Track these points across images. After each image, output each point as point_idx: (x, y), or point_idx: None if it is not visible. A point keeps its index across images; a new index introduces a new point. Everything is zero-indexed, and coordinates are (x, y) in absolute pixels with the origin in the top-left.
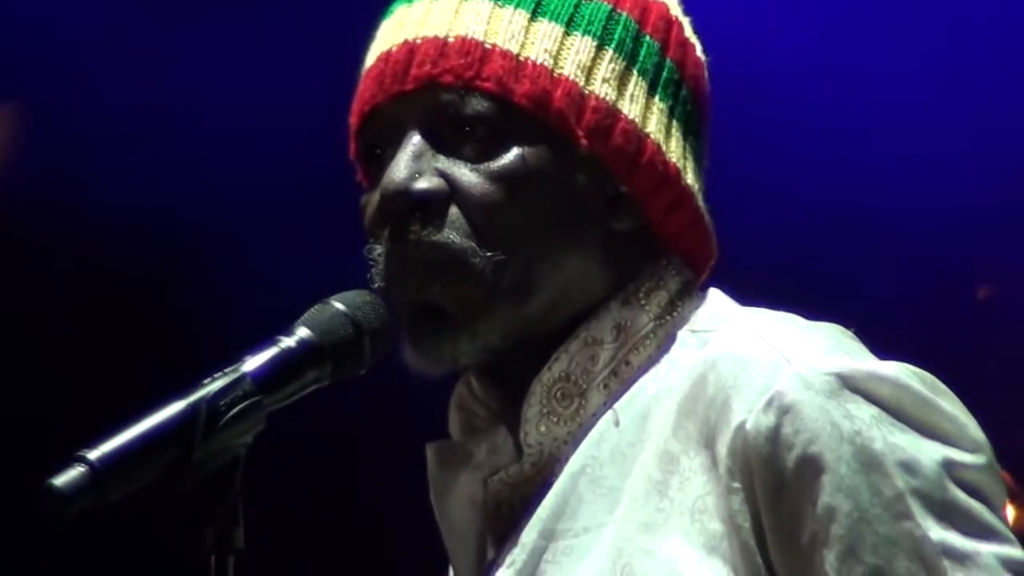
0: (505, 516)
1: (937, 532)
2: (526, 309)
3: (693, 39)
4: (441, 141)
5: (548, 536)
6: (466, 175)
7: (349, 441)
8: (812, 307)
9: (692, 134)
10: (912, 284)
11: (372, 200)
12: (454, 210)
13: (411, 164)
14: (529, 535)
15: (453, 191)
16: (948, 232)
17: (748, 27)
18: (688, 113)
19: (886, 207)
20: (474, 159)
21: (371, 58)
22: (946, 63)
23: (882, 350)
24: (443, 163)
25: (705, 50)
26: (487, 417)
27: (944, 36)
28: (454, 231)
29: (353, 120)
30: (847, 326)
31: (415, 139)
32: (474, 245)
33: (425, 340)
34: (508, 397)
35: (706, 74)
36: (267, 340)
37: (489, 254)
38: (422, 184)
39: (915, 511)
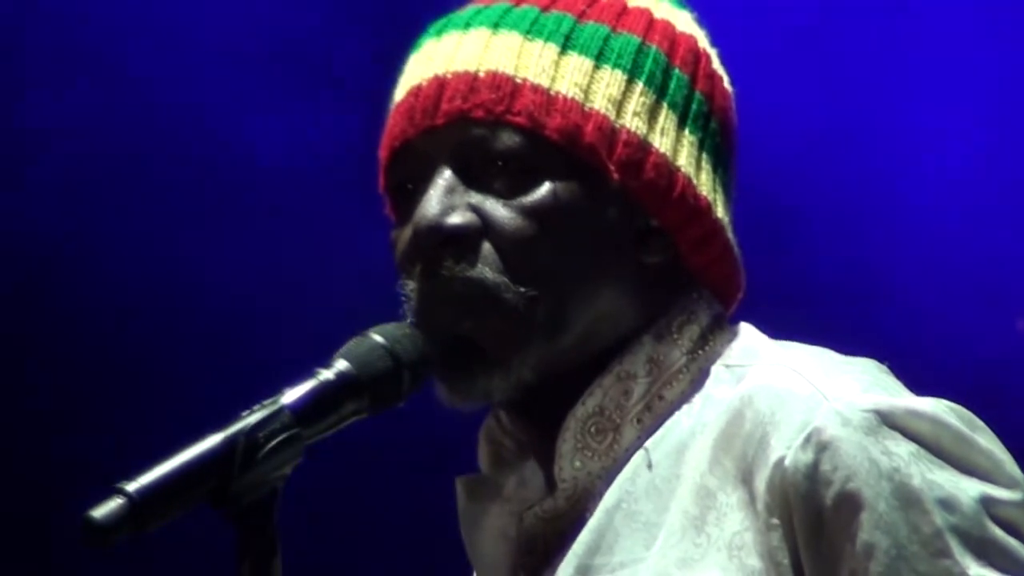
0: (538, 551)
1: (975, 570)
2: (559, 344)
3: (721, 71)
4: (472, 176)
5: (584, 572)
6: (498, 210)
7: (385, 472)
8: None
9: (721, 166)
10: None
11: (403, 235)
12: (487, 246)
13: (443, 199)
14: (565, 571)
15: (486, 226)
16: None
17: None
18: (717, 146)
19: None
20: (506, 194)
21: (400, 92)
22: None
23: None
24: (475, 198)
25: (732, 81)
26: (515, 450)
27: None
28: (487, 267)
29: (382, 154)
30: (880, 360)
31: (446, 174)
32: (507, 281)
33: (457, 376)
34: (538, 431)
35: (734, 105)
36: (305, 372)
37: (522, 289)
38: (455, 219)
39: (953, 549)
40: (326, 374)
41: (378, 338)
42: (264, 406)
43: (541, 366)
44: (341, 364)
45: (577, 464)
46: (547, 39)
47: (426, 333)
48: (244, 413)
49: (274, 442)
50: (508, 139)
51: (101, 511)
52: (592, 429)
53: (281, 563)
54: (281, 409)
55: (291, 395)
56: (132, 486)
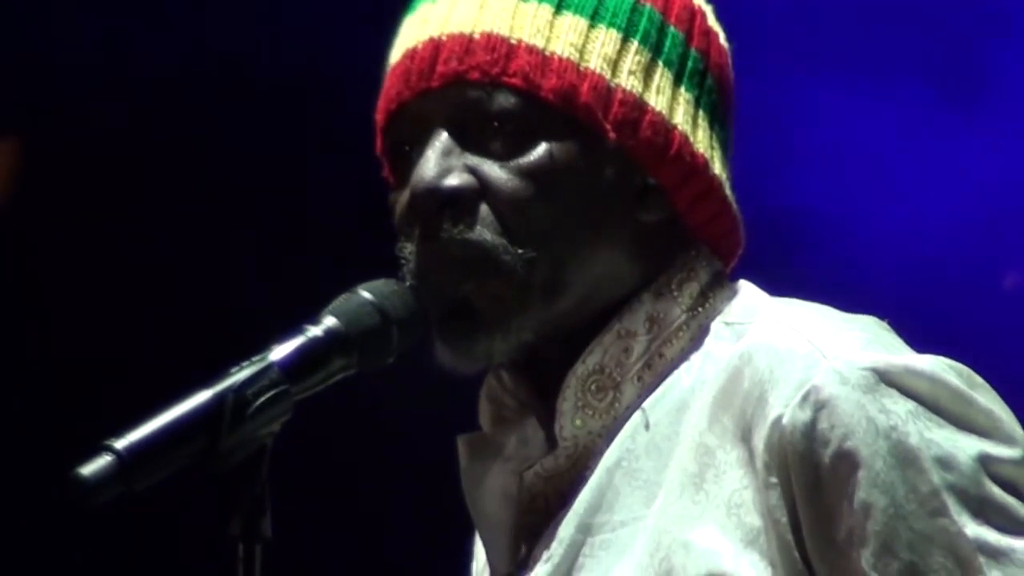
0: (539, 509)
1: (973, 528)
2: (558, 305)
3: (716, 28)
4: (468, 138)
5: (585, 530)
6: (495, 171)
7: (374, 428)
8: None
9: (718, 123)
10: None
11: (402, 198)
12: (484, 207)
13: (440, 161)
14: (566, 529)
15: (483, 188)
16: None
17: None
18: (714, 103)
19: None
20: (503, 155)
21: (396, 55)
22: None
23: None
24: (472, 160)
25: (728, 38)
26: (516, 408)
27: None
28: (485, 228)
29: (379, 117)
30: (880, 317)
31: (443, 136)
32: (505, 242)
33: (458, 338)
34: (539, 389)
35: (730, 62)
36: (294, 328)
37: (520, 251)
38: (452, 181)
39: (951, 507)
40: (314, 330)
41: (367, 295)
42: (252, 362)
43: (541, 327)
44: (329, 320)
45: (578, 422)
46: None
47: (426, 296)
48: (232, 369)
49: (263, 399)
50: (504, 100)
51: (90, 469)
52: (593, 387)
53: (270, 520)
54: (270, 365)
55: (279, 351)
56: (121, 443)
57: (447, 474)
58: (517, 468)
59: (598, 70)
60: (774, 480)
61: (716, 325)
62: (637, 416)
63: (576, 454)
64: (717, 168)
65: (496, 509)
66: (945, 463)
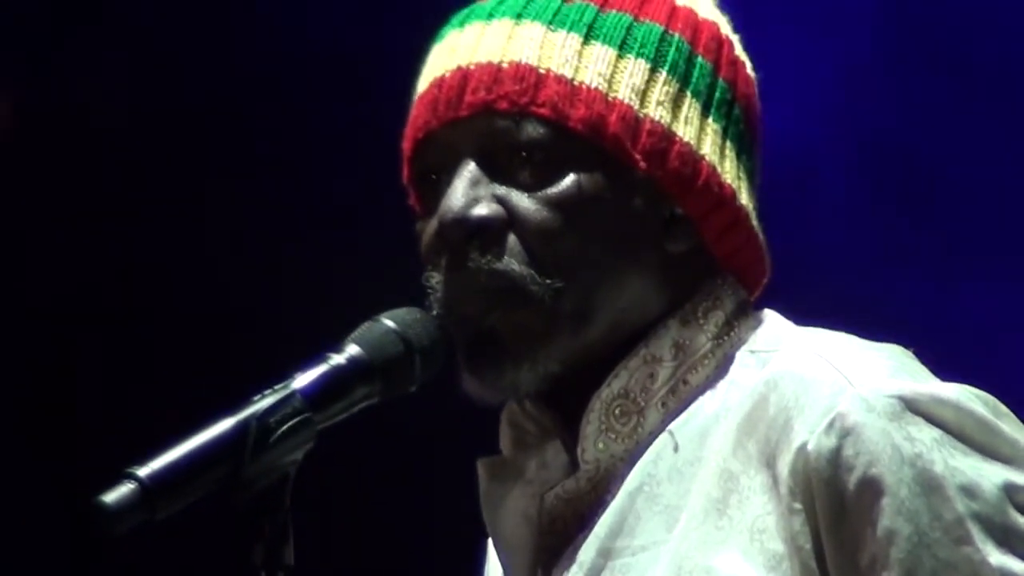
0: (559, 532)
1: (997, 557)
2: (586, 335)
3: (743, 57)
4: (496, 167)
5: (606, 554)
6: (523, 202)
7: (396, 458)
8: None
9: (745, 153)
10: None
11: (429, 227)
12: (512, 237)
13: (468, 191)
14: (587, 553)
15: (511, 218)
16: None
17: None
18: (741, 132)
19: None
20: (530, 185)
21: (423, 84)
22: None
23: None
24: (500, 190)
25: (755, 67)
26: (537, 433)
27: None
28: (513, 258)
29: (406, 145)
30: (905, 347)
31: (470, 166)
32: (533, 272)
33: (485, 368)
34: (562, 414)
35: (757, 91)
36: (317, 356)
37: (548, 281)
38: (480, 211)
39: (975, 535)
40: (337, 359)
41: (390, 323)
42: (276, 391)
43: (568, 357)
44: (353, 349)
45: (600, 446)
46: (570, 29)
47: (452, 325)
48: (255, 397)
49: (286, 427)
50: (532, 130)
51: (112, 496)
52: (616, 411)
53: (292, 548)
54: (293, 394)
55: (302, 379)
56: (143, 471)
57: (467, 497)
58: (538, 491)
59: (626, 100)
60: (798, 506)
61: (741, 353)
62: (662, 440)
63: (597, 477)
64: (744, 199)
65: (516, 531)
66: (970, 491)
